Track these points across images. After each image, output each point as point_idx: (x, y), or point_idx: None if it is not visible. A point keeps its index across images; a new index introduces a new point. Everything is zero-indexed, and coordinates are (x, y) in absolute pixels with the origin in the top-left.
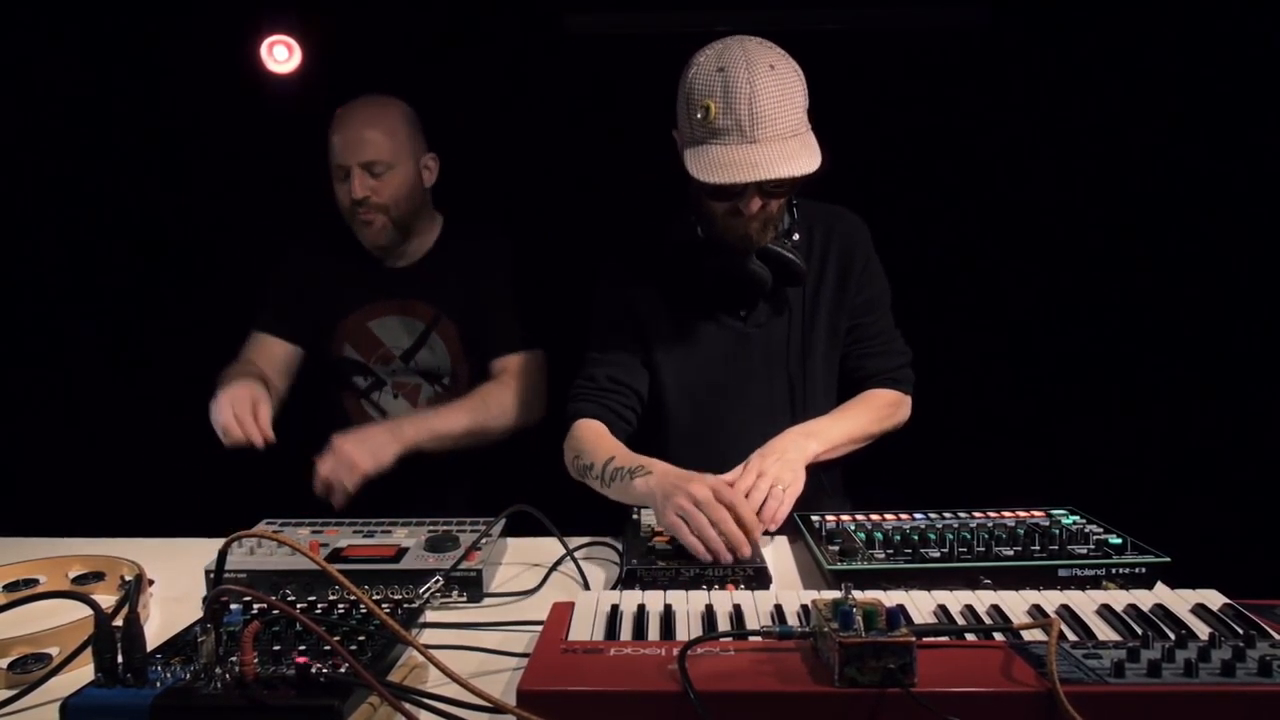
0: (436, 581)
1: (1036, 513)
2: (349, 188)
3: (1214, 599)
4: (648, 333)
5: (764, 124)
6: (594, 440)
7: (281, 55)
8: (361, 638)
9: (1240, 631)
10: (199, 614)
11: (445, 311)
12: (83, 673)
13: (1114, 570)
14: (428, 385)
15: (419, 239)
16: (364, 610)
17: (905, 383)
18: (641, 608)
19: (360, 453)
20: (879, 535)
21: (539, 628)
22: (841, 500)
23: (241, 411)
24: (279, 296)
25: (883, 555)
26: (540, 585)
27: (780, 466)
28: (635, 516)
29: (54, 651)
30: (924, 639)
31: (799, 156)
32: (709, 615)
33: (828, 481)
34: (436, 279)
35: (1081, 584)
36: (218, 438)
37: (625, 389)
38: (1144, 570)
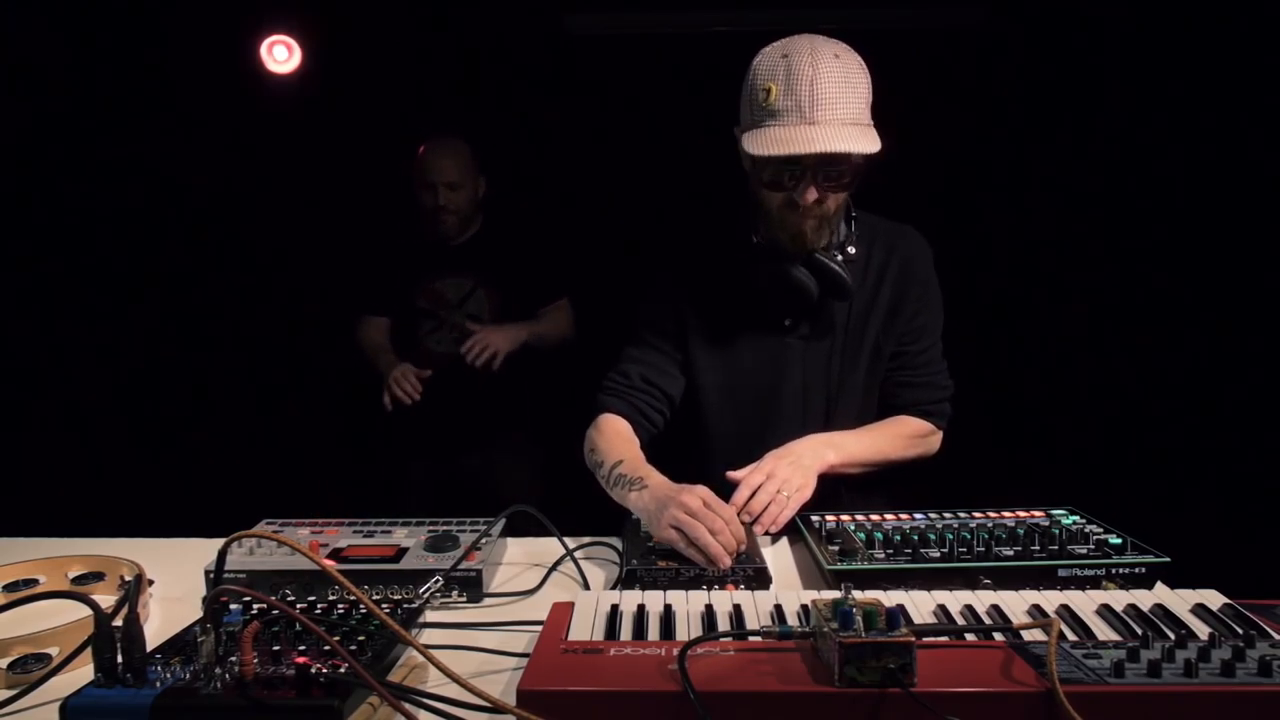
0: (436, 581)
1: (1036, 513)
2: (435, 196)
3: (1214, 599)
4: (690, 335)
5: (824, 106)
6: (610, 439)
7: (281, 55)
8: (361, 638)
9: (1240, 631)
10: (199, 614)
11: (484, 279)
12: (83, 673)
13: (1114, 570)
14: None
15: (470, 229)
16: (364, 610)
17: (940, 416)
18: (641, 608)
19: (496, 337)
20: (879, 535)
21: (539, 628)
22: (881, 499)
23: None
24: (374, 283)
25: (883, 555)
26: (540, 585)
27: (791, 470)
28: (635, 516)
29: (54, 651)
30: (924, 639)
31: (857, 138)
32: (709, 615)
33: (850, 500)
34: (480, 255)
35: (1081, 584)
36: (217, 438)
37: (656, 390)
38: (1144, 570)
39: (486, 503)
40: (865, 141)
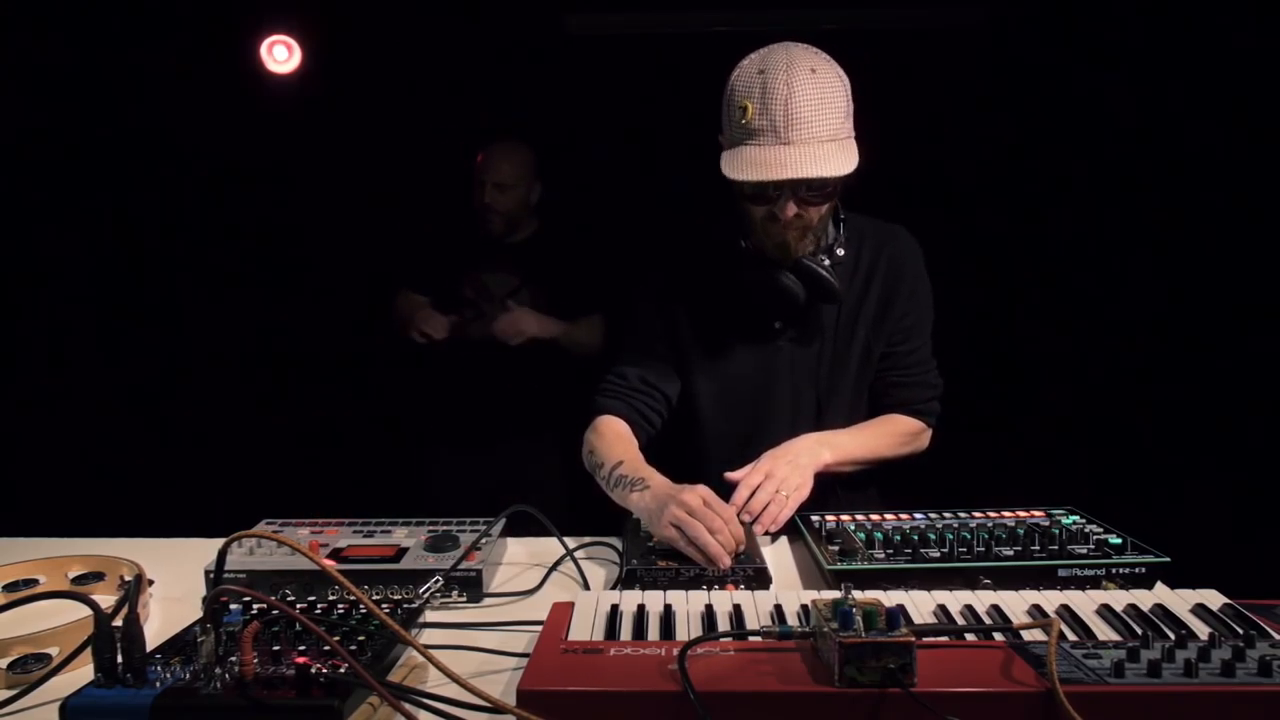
0: (436, 581)
1: (1036, 513)
2: (484, 193)
3: (1214, 599)
4: (682, 339)
5: (798, 126)
6: (610, 440)
7: (281, 55)
8: (361, 638)
9: (1240, 631)
10: (199, 614)
11: (530, 280)
12: (83, 673)
13: (1114, 570)
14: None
15: (522, 230)
16: (364, 610)
17: (930, 415)
18: (641, 608)
19: (528, 320)
20: (879, 535)
21: (539, 628)
22: (875, 492)
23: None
24: (421, 262)
25: (883, 555)
26: (540, 585)
27: (789, 470)
28: (636, 516)
29: (54, 651)
30: (924, 639)
31: (831, 159)
32: (709, 615)
33: (844, 498)
34: (530, 256)
35: (1081, 584)
36: (217, 437)
37: (654, 391)
38: (1144, 570)
39: (502, 499)
40: (840, 162)
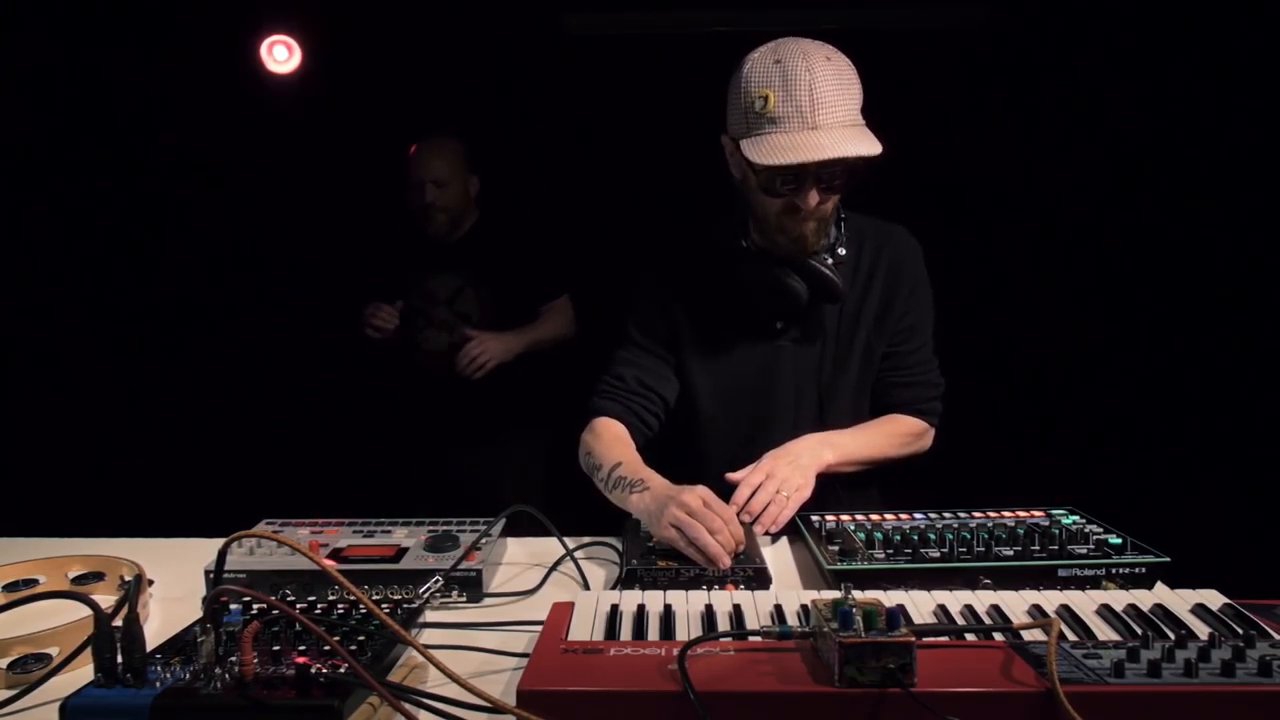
0: (436, 581)
1: (1036, 513)
2: (423, 193)
3: (1214, 599)
4: (682, 339)
5: (824, 109)
6: (608, 442)
7: (281, 55)
8: (361, 638)
9: (1240, 631)
10: (199, 614)
11: (474, 276)
12: (83, 673)
13: (1114, 570)
14: (460, 324)
15: (463, 226)
16: (364, 610)
17: (932, 415)
18: (641, 608)
19: (491, 347)
20: (879, 535)
21: (539, 628)
22: (876, 494)
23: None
24: (371, 278)
25: (883, 555)
26: (540, 585)
27: (790, 470)
28: (636, 516)
29: (54, 651)
30: (924, 639)
31: (862, 141)
32: (709, 615)
33: (846, 498)
34: (472, 254)
35: (1081, 584)
36: (217, 437)
37: (652, 394)
38: (1144, 570)
39: (488, 502)
40: (867, 144)
